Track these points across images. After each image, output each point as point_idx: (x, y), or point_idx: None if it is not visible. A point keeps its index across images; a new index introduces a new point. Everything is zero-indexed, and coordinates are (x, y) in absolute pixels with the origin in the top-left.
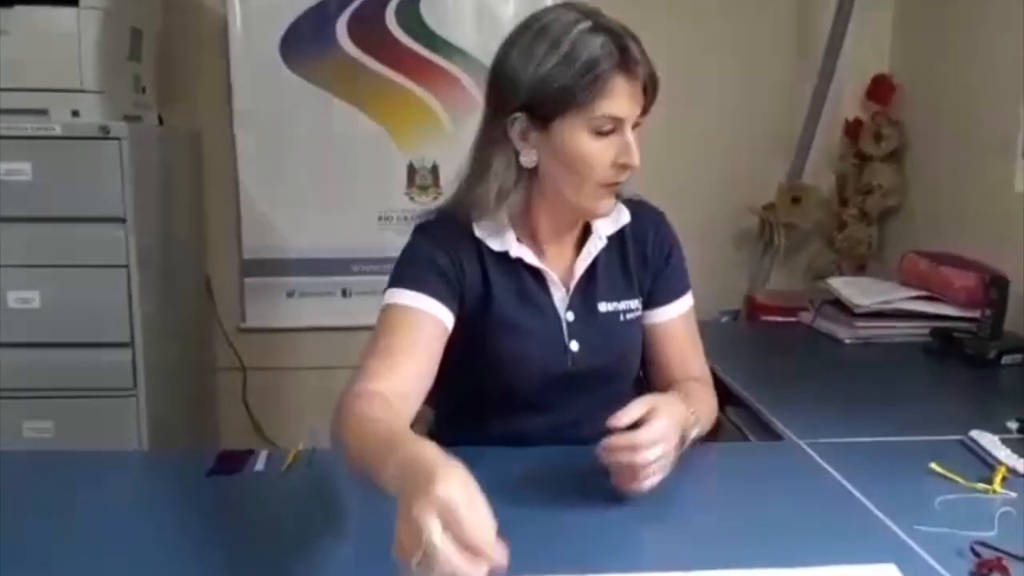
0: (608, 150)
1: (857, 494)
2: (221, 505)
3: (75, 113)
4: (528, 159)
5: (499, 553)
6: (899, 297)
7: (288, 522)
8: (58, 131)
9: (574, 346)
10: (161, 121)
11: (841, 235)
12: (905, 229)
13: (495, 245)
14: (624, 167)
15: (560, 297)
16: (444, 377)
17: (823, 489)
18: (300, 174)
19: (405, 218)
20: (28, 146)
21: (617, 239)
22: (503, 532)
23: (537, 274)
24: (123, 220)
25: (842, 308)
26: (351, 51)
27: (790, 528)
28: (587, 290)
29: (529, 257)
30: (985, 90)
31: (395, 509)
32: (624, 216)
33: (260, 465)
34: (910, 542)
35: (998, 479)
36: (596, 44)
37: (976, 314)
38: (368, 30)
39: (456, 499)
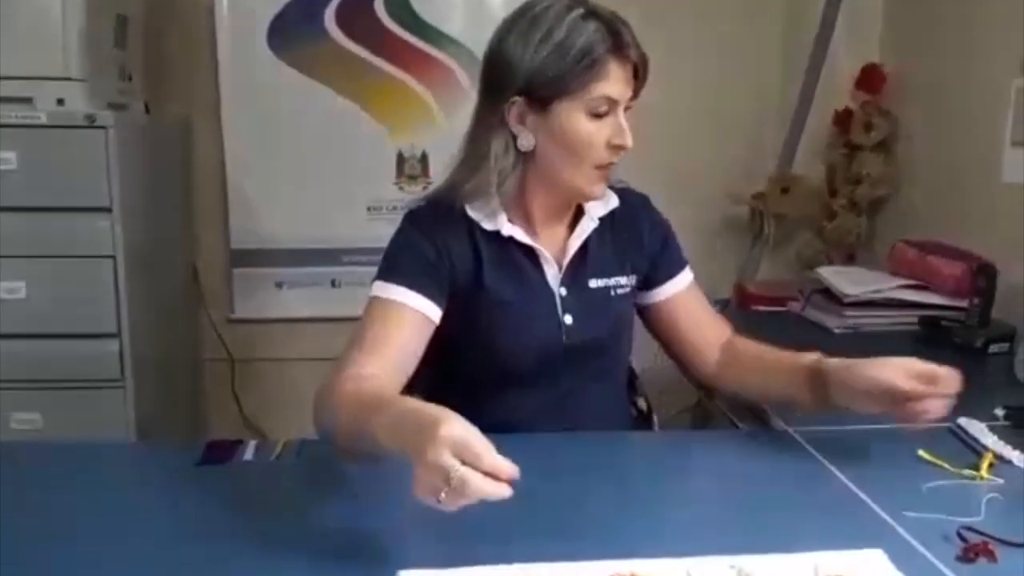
0: (603, 131)
1: (845, 480)
2: (209, 495)
3: (60, 101)
4: (526, 142)
5: (513, 469)
6: (888, 286)
7: (276, 511)
8: (43, 120)
9: (568, 320)
10: (148, 110)
11: (831, 225)
12: (894, 218)
13: (487, 225)
14: (618, 148)
15: (553, 274)
16: (436, 361)
17: (811, 475)
18: (288, 164)
19: (394, 208)
20: (13, 135)
21: (608, 221)
22: (497, 520)
23: (530, 253)
24: (109, 210)
25: (831, 297)
26: (340, 39)
27: (778, 514)
28: (579, 268)
29: (520, 235)
30: (974, 80)
31: (390, 500)
32: (613, 200)
33: (249, 455)
34: (897, 527)
35: (985, 465)
36: (590, 30)
37: (964, 303)
38: (357, 18)
39: (464, 436)
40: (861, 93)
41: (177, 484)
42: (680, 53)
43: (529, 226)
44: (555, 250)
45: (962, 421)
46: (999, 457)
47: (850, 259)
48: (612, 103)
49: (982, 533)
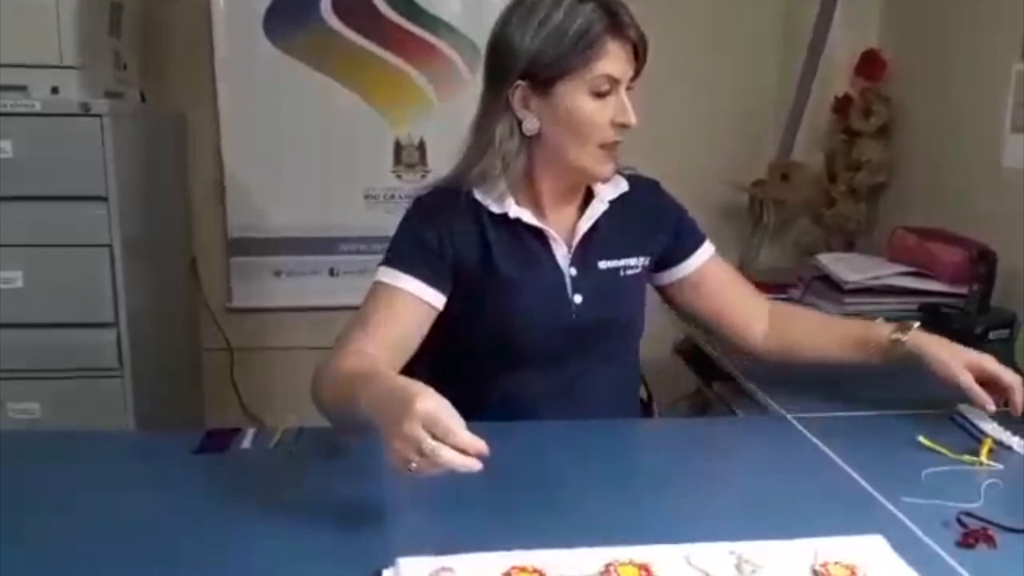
0: (606, 110)
1: (844, 466)
2: (207, 482)
3: (55, 90)
4: (530, 125)
5: (481, 444)
6: (888, 273)
7: (274, 499)
8: (38, 108)
9: (577, 299)
10: (143, 98)
11: (830, 211)
12: (894, 205)
13: (495, 208)
14: (622, 126)
15: (563, 254)
16: (445, 344)
17: (810, 462)
18: (285, 152)
19: (392, 196)
20: (8, 123)
21: (618, 205)
22: (495, 507)
23: (539, 234)
24: (105, 199)
25: (831, 284)
26: (336, 26)
27: (777, 500)
28: (588, 249)
29: (528, 217)
30: (974, 64)
31: (387, 488)
32: (623, 184)
33: (247, 443)
34: (897, 513)
35: (985, 451)
36: (587, 10)
37: (964, 289)
38: (354, 4)
39: (436, 411)
40: (860, 79)
41: (173, 472)
42: (678, 40)
43: (538, 209)
44: (564, 232)
45: (962, 407)
46: (998, 443)
47: (850, 246)
48: (613, 82)
49: (981, 519)
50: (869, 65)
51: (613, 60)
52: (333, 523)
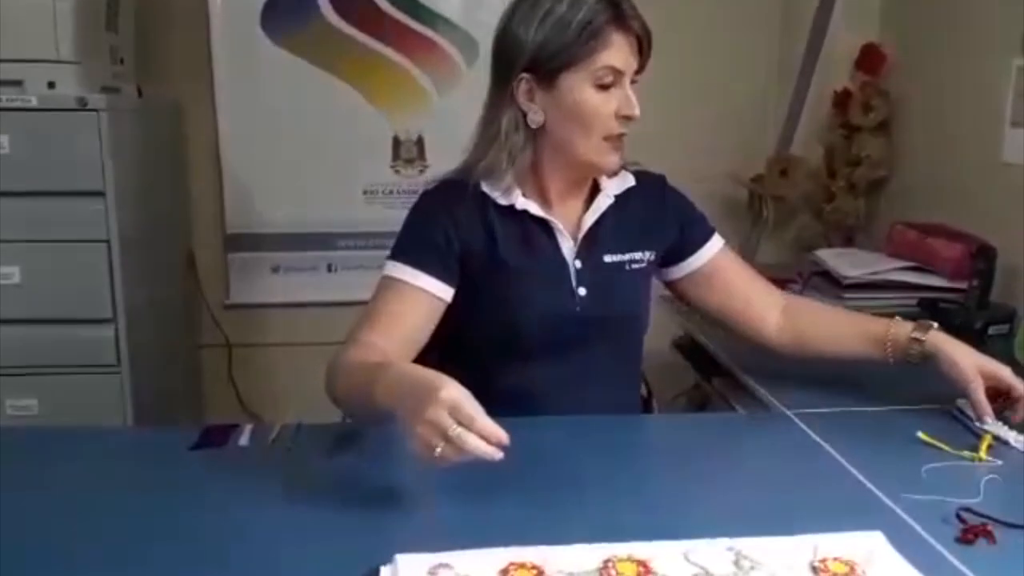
0: (610, 102)
1: (844, 462)
2: (205, 479)
3: (51, 84)
4: (536, 118)
5: (502, 434)
6: (887, 268)
7: (272, 495)
8: (34, 103)
9: (581, 292)
10: (140, 93)
11: (829, 207)
12: (893, 200)
13: (502, 200)
14: (626, 118)
15: (568, 247)
16: (450, 335)
17: (809, 458)
18: (283, 147)
19: (391, 192)
20: (4, 118)
21: (624, 199)
22: (494, 503)
23: (545, 226)
24: (103, 194)
25: (830, 279)
26: (334, 21)
27: (776, 496)
28: (594, 242)
29: (535, 209)
30: (974, 60)
31: (386, 484)
32: (630, 180)
33: (245, 439)
34: (896, 509)
35: (984, 447)
36: (590, 2)
37: (963, 285)
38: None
39: (460, 399)
40: (860, 74)
41: (171, 468)
42: (678, 34)
43: (544, 201)
44: (570, 225)
45: (961, 403)
46: (998, 439)
47: (849, 241)
48: (617, 73)
49: (981, 514)
50: (869, 59)
51: (617, 51)
52: (331, 521)
